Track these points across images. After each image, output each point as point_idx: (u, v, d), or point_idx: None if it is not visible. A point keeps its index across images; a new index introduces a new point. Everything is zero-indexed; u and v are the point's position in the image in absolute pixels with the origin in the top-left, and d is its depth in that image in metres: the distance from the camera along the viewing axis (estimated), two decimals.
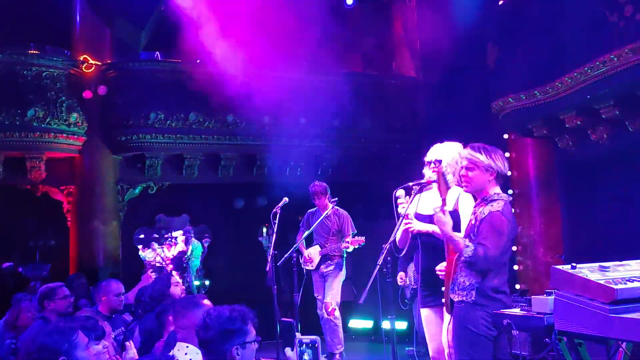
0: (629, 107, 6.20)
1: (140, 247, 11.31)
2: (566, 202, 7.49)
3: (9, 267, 9.99)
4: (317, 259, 6.95)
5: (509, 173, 3.69)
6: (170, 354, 3.37)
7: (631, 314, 2.38)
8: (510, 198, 3.73)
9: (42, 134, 7.83)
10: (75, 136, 8.11)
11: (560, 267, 2.65)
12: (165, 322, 4.69)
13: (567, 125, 6.89)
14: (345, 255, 7.05)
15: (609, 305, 2.39)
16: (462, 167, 3.74)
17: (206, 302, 3.69)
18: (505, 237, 3.49)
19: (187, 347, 3.39)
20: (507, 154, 7.66)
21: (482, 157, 3.64)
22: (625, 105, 6.19)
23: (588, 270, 2.59)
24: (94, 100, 8.16)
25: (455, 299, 3.62)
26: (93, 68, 8.25)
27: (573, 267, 2.62)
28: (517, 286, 7.40)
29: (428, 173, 4.26)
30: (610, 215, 6.91)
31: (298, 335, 2.45)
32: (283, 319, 5.92)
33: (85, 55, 8.29)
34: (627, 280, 2.50)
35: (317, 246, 6.95)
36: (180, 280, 5.41)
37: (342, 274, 6.98)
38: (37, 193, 8.42)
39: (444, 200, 3.77)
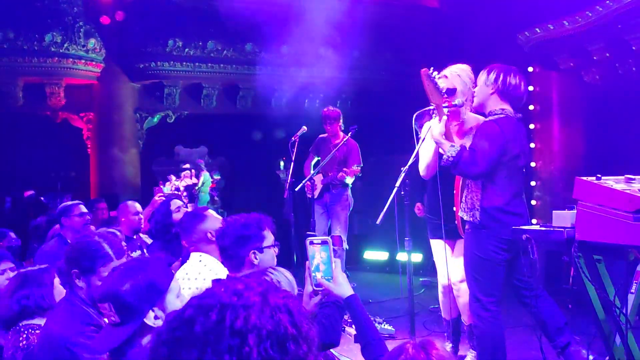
0: None
1: (160, 182, 11.43)
2: (589, 138, 7.35)
3: (31, 196, 10.16)
4: (318, 187, 6.88)
5: (514, 86, 3.60)
6: (182, 270, 3.43)
7: None
8: (520, 115, 3.63)
9: (60, 60, 7.80)
10: (94, 62, 8.06)
11: (584, 178, 2.61)
12: (179, 246, 4.74)
13: (594, 58, 6.70)
14: (350, 186, 6.96)
15: (633, 214, 2.36)
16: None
17: (210, 212, 3.73)
18: (494, 143, 3.42)
19: (201, 255, 3.46)
20: (530, 88, 7.49)
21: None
22: None
23: (613, 181, 2.55)
24: (112, 26, 8.05)
25: (465, 218, 3.63)
26: None
27: (598, 178, 2.58)
28: (534, 221, 7.38)
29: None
30: (636, 152, 6.77)
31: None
32: (308, 232, 5.99)
33: None
34: None
35: (321, 175, 6.84)
36: (182, 203, 5.24)
37: (348, 205, 6.92)
38: (57, 120, 8.47)
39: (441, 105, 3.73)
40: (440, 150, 3.73)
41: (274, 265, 2.68)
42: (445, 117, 3.66)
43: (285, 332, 1.14)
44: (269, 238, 2.76)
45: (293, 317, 1.17)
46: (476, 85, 3.88)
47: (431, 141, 3.94)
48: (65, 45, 7.78)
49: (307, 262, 2.28)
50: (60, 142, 9.33)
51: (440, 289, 4.46)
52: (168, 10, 8.10)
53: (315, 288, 2.22)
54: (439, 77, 4.00)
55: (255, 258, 2.69)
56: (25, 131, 9.15)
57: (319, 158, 6.89)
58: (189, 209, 5.64)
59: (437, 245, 4.35)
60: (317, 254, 2.23)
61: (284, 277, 2.43)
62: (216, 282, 1.27)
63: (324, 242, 2.23)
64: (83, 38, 7.90)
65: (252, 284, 1.20)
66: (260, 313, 1.14)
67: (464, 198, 3.67)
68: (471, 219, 3.57)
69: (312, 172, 6.92)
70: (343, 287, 2.21)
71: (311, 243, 2.24)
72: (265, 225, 2.78)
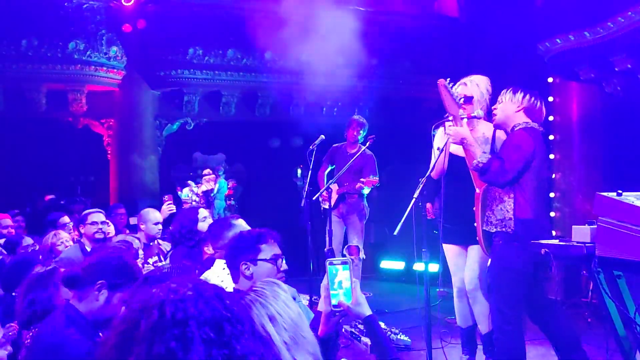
0: None
1: (178, 188, 11.50)
2: (610, 149, 7.26)
3: (52, 200, 10.29)
4: (334, 197, 6.88)
5: (537, 106, 3.64)
6: (204, 275, 3.45)
7: None
8: (542, 129, 3.64)
9: (83, 67, 7.93)
10: (115, 70, 8.18)
11: (605, 193, 2.59)
12: (200, 254, 4.78)
13: (616, 69, 6.62)
14: (365, 195, 6.95)
15: None
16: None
17: (240, 221, 3.74)
18: (525, 152, 3.42)
19: (225, 262, 3.48)
20: (550, 98, 7.45)
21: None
22: None
23: (634, 197, 2.53)
24: (133, 34, 8.15)
25: (493, 230, 3.59)
26: (132, 1, 8.21)
27: (619, 194, 2.56)
28: (553, 233, 7.31)
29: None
30: None
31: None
32: (327, 249, 6.00)
33: None
34: None
35: (336, 184, 6.83)
36: (207, 214, 5.31)
37: (364, 215, 6.90)
38: (78, 125, 8.59)
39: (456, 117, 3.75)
40: (455, 151, 3.76)
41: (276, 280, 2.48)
42: (465, 121, 3.72)
43: (220, 315, 1.28)
44: (267, 251, 2.72)
45: (225, 302, 1.31)
46: (492, 96, 3.91)
47: (439, 142, 3.99)
48: (88, 52, 7.91)
49: (323, 283, 2.28)
50: (81, 148, 9.46)
51: (455, 293, 4.44)
52: (189, 19, 8.19)
53: (333, 309, 2.23)
54: (458, 84, 4.03)
55: (247, 269, 2.67)
56: (48, 136, 9.29)
57: (333, 167, 6.91)
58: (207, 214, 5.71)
59: (450, 250, 4.35)
60: (337, 275, 2.24)
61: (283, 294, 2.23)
62: (149, 286, 1.39)
63: (344, 263, 2.25)
64: (105, 46, 8.03)
65: (184, 282, 1.33)
66: (196, 303, 1.27)
67: (490, 211, 3.64)
68: (503, 230, 3.55)
69: (326, 181, 6.92)
70: (362, 307, 2.23)
71: (331, 264, 2.26)
72: (266, 239, 2.75)
